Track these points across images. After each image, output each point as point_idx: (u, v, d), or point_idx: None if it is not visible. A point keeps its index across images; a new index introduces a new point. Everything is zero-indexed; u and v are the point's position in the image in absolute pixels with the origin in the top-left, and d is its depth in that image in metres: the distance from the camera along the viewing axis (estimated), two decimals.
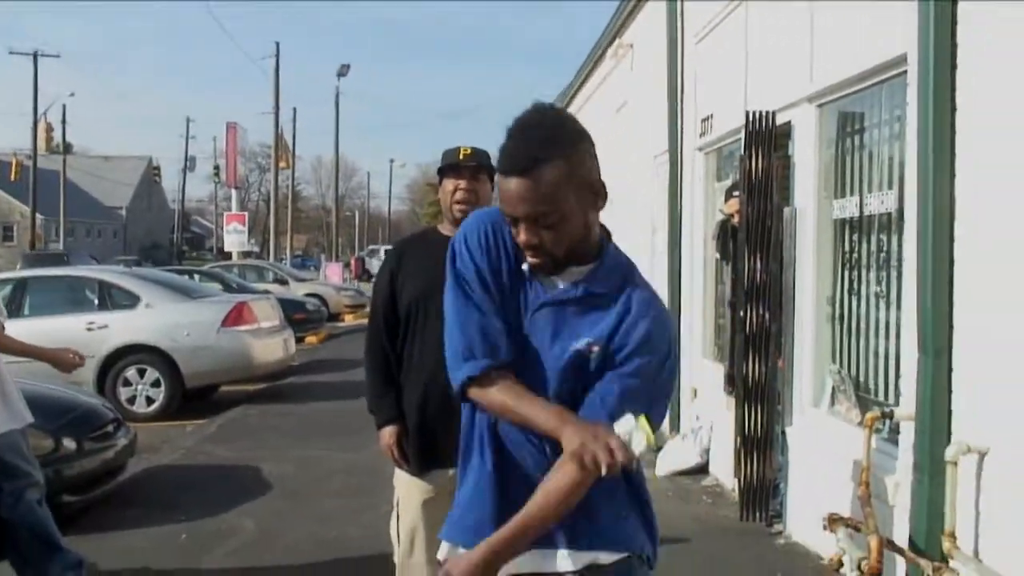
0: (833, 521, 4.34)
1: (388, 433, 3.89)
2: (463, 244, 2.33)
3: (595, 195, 2.23)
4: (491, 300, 2.28)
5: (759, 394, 6.23)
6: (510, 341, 2.25)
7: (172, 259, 59.01)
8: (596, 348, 2.21)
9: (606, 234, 2.34)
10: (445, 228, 3.95)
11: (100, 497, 6.60)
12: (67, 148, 56.74)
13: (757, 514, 6.27)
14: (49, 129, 48.60)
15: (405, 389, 3.89)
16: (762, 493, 6.27)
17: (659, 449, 2.19)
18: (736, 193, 6.56)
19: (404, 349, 3.89)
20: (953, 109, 4.05)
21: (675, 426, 8.55)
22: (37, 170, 47.53)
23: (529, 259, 2.23)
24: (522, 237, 2.19)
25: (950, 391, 4.03)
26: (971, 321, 3.96)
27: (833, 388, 5.71)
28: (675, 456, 7.82)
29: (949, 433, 4.01)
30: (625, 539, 2.31)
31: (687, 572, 5.34)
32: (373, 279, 4.26)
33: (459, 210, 3.81)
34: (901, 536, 4.25)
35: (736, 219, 6.51)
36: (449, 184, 3.87)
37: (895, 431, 4.77)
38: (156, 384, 11.03)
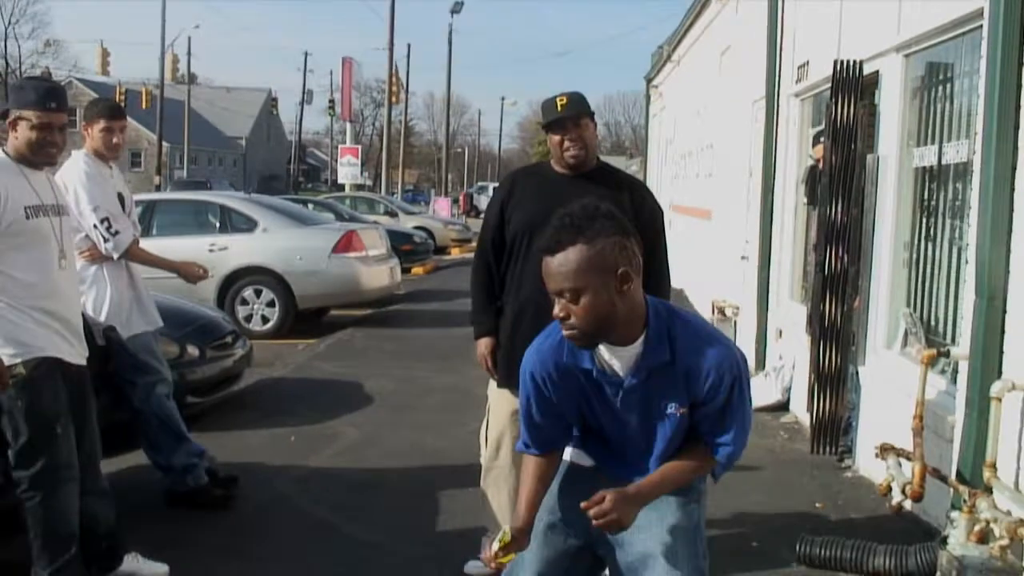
0: (885, 450, 4.62)
1: (484, 344, 4.25)
2: (525, 374, 2.86)
3: (621, 282, 2.56)
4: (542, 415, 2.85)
5: (834, 334, 6.47)
6: (560, 429, 2.90)
7: (288, 189, 60.50)
8: (683, 410, 2.70)
9: (645, 300, 2.69)
10: (558, 165, 4.22)
11: (219, 401, 7.19)
12: (191, 79, 58.26)
13: (828, 448, 6.55)
14: (175, 60, 49.89)
15: (504, 308, 4.23)
16: (833, 428, 6.53)
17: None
18: (822, 139, 6.75)
19: (507, 271, 4.21)
20: (1020, 63, 4.23)
21: (760, 364, 8.82)
22: (164, 100, 49.05)
23: (565, 331, 2.63)
24: (556, 310, 2.60)
25: (1003, 333, 4.26)
26: None
27: (906, 330, 5.91)
28: (757, 393, 8.05)
29: (1000, 372, 4.25)
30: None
31: (756, 495, 5.67)
32: (483, 212, 4.58)
33: (572, 158, 4.11)
34: (949, 467, 4.53)
35: (821, 164, 6.71)
36: (556, 137, 4.11)
37: (955, 371, 5.01)
38: (271, 304, 11.67)
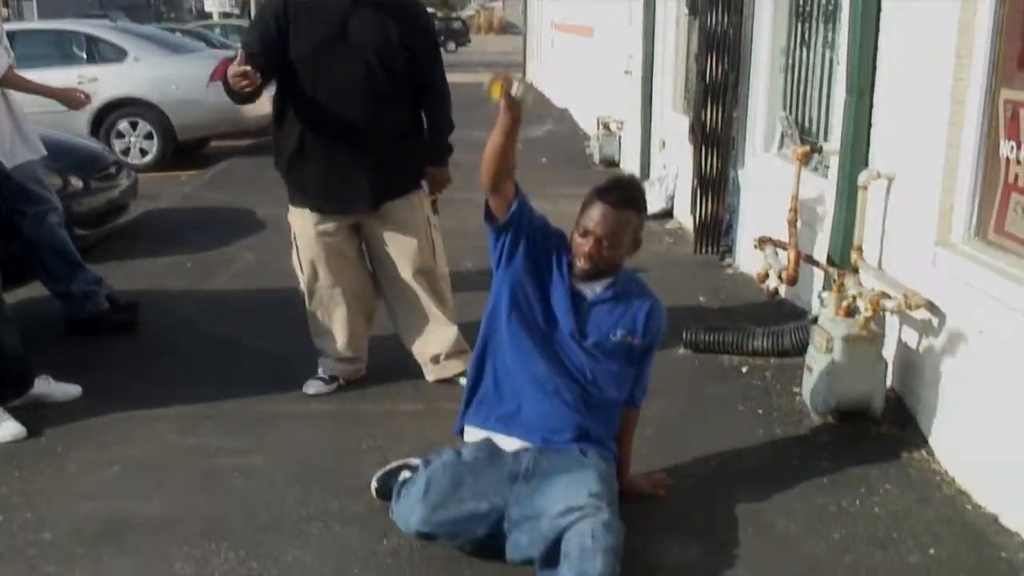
0: (762, 241, 4.92)
1: (230, 72, 3.85)
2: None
3: (634, 246, 3.35)
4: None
5: (715, 140, 6.73)
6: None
7: (150, 18, 57.60)
8: (631, 338, 3.30)
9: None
10: None
11: (109, 232, 7.14)
12: None
13: (710, 248, 6.91)
14: None
15: (296, 132, 4.15)
16: (715, 230, 6.88)
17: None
18: None
19: (298, 100, 4.13)
20: None
21: (644, 175, 9.08)
22: None
23: (582, 263, 3.25)
24: (588, 248, 3.23)
25: (870, 126, 4.53)
26: (890, 63, 4.41)
27: (782, 133, 6.17)
28: None
29: (867, 163, 4.54)
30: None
31: None
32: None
33: None
34: (822, 254, 4.86)
35: None
36: None
37: (826, 167, 5.30)
38: (149, 137, 11.40)
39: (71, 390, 4.51)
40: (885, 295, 4.05)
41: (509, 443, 3.26)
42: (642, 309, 3.35)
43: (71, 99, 5.59)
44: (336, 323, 4.51)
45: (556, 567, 2.83)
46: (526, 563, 3.00)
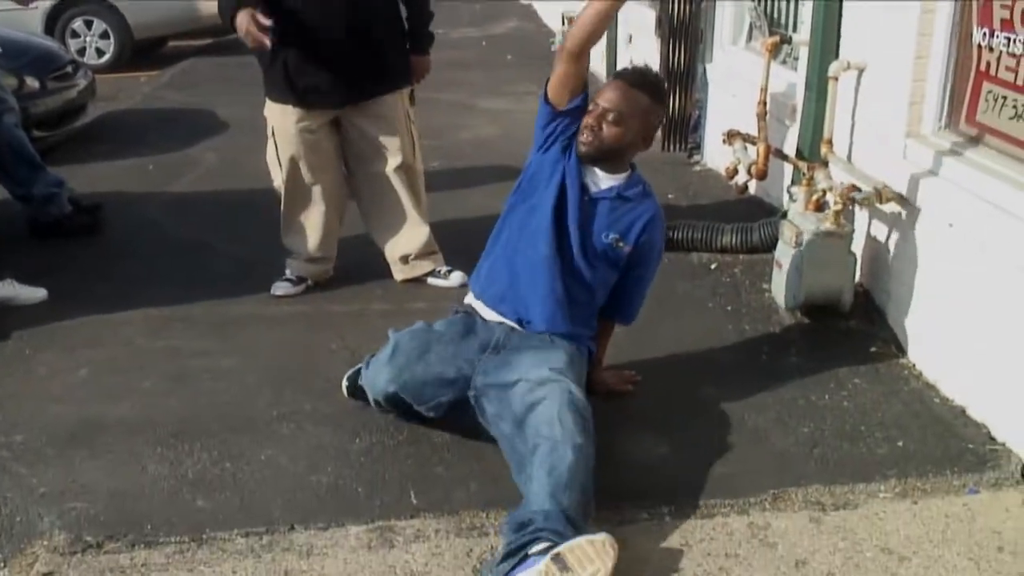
0: (731, 136, 4.87)
1: (243, 16, 3.86)
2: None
3: (644, 139, 3.24)
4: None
5: (683, 33, 6.63)
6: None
7: None
8: (622, 244, 3.24)
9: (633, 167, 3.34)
10: None
11: (68, 134, 7.01)
12: None
13: (677, 145, 6.86)
14: None
15: (289, 27, 4.03)
16: (683, 126, 6.82)
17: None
18: None
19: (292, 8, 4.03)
20: None
21: (610, 71, 8.93)
22: None
23: (583, 138, 3.15)
24: (590, 120, 3.14)
25: (840, 15, 4.45)
26: None
27: (751, 24, 6.09)
28: None
29: (837, 54, 4.48)
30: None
31: None
32: None
33: None
34: (791, 150, 4.83)
35: None
36: None
37: (795, 59, 5.24)
38: (105, 36, 11.11)
39: (37, 293, 4.46)
40: (855, 188, 4.03)
41: (489, 314, 3.30)
42: (640, 217, 3.28)
43: None
44: (311, 221, 4.47)
45: (527, 464, 2.79)
46: (492, 440, 3.06)
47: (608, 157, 3.21)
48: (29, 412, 3.50)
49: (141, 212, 5.73)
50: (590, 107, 3.17)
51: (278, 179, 4.43)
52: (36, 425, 3.40)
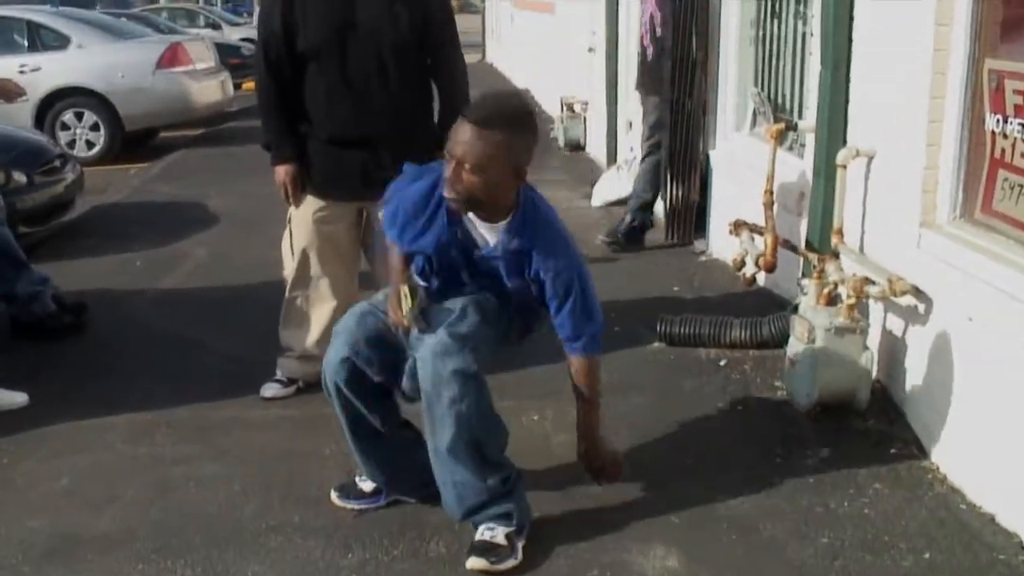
0: (738, 226, 4.76)
1: (284, 171, 4.07)
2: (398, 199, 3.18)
3: (515, 174, 2.93)
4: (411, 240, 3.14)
5: (685, 119, 6.54)
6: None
7: (94, 2, 56.41)
8: (526, 282, 3.06)
9: (524, 186, 3.04)
10: None
11: (54, 230, 6.89)
12: None
13: (681, 234, 6.72)
14: None
15: (310, 119, 4.04)
16: (686, 214, 6.70)
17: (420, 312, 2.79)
18: None
19: (308, 91, 4.01)
20: None
21: (612, 158, 8.89)
22: None
23: (449, 194, 2.90)
24: (449, 173, 2.86)
25: (847, 101, 4.36)
26: (867, 34, 4.24)
27: (754, 111, 6.01)
28: (609, 187, 8.13)
29: (845, 140, 4.37)
30: None
31: (614, 283, 5.79)
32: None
33: None
34: (799, 240, 4.70)
35: None
36: None
37: (802, 146, 5.14)
38: (95, 128, 11.06)
39: (17, 398, 4.31)
40: (868, 281, 3.90)
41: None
42: (534, 256, 3.04)
43: (5, 91, 5.32)
44: (313, 316, 4.33)
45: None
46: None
47: (482, 207, 2.98)
48: (5, 526, 3.35)
49: (128, 310, 5.58)
50: (446, 156, 2.90)
51: (288, 268, 4.32)
52: (12, 540, 3.25)
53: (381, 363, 3.12)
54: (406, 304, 3.02)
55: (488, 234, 3.05)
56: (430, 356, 2.94)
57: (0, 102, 5.54)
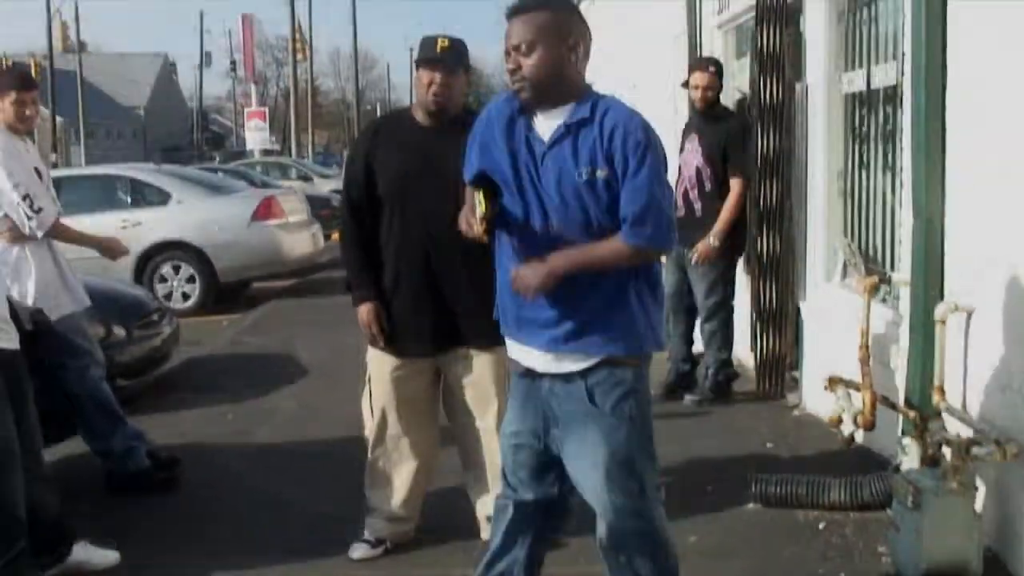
0: (833, 382, 4.62)
1: (366, 310, 4.06)
2: (481, 116, 3.14)
3: (569, 50, 2.90)
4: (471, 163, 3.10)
5: (773, 269, 6.49)
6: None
7: (193, 159, 58.91)
8: (594, 171, 2.86)
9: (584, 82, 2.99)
10: (419, 115, 4.09)
11: (150, 382, 6.98)
12: (82, 47, 55.47)
13: (773, 387, 6.57)
14: (64, 27, 47.54)
15: (386, 272, 4.07)
16: (778, 367, 6.56)
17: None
18: (711, 68, 6.52)
19: (384, 233, 4.06)
20: None
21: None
22: (54, 71, 45.81)
23: (515, 85, 2.90)
24: (509, 64, 2.89)
25: (942, 254, 4.27)
26: (962, 186, 4.18)
27: (845, 261, 5.93)
28: (698, 339, 8.02)
29: (942, 294, 4.27)
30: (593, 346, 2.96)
31: (706, 441, 5.69)
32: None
33: (434, 103, 3.97)
34: (897, 395, 4.56)
35: (698, 93, 6.45)
36: (425, 76, 3.96)
37: (896, 298, 5.04)
38: (191, 280, 11.36)
39: (110, 556, 4.30)
40: (974, 441, 3.74)
41: (521, 353, 3.11)
42: (605, 129, 2.87)
43: (112, 250, 5.52)
44: (397, 477, 4.27)
45: None
46: None
47: (548, 89, 2.90)
48: None
49: (219, 465, 5.60)
50: (504, 59, 2.94)
51: (368, 427, 4.30)
52: None
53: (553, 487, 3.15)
54: (480, 209, 2.93)
55: (553, 121, 2.93)
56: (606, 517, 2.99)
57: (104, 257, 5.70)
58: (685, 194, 6.33)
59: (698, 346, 6.72)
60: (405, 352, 4.11)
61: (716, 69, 6.48)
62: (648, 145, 2.84)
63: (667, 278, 6.42)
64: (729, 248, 6.35)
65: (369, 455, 4.31)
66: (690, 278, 6.46)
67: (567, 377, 2.97)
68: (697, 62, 6.66)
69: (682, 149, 6.48)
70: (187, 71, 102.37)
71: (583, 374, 2.95)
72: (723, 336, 6.55)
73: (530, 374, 3.07)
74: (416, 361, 4.14)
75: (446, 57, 3.96)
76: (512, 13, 2.91)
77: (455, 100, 4.04)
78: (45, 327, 4.93)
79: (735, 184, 6.28)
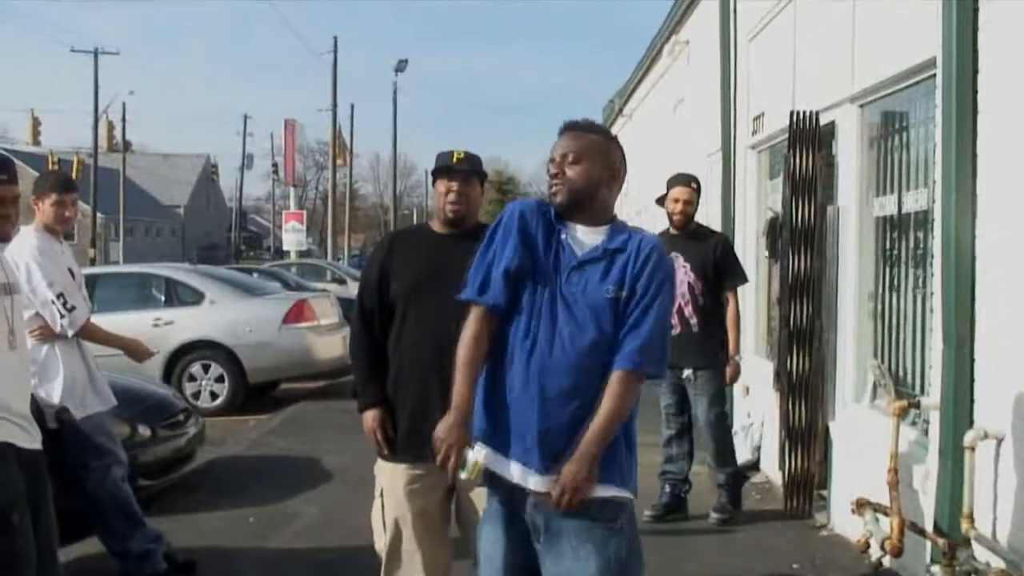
0: (861, 505, 4.56)
1: (371, 416, 4.03)
2: (515, 208, 3.12)
3: (611, 178, 3.06)
4: (512, 249, 3.02)
5: (803, 388, 6.43)
6: (505, 289, 3.01)
7: (230, 258, 59.71)
8: (617, 290, 2.91)
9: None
10: (436, 225, 4.15)
11: (172, 482, 6.96)
12: (126, 146, 56.83)
13: (801, 506, 6.46)
14: (110, 127, 48.67)
15: (394, 377, 4.03)
16: (806, 486, 6.46)
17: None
18: (692, 184, 6.50)
19: (393, 337, 4.04)
20: (975, 111, 4.26)
21: (729, 424, 8.72)
22: (98, 169, 46.87)
23: (551, 188, 3.02)
24: (553, 169, 3.02)
25: (972, 380, 4.23)
26: (993, 313, 4.16)
27: (874, 383, 5.86)
28: None
29: (971, 421, 4.21)
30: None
31: (732, 559, 5.59)
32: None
33: (451, 211, 4.02)
34: (926, 520, 4.46)
35: (678, 207, 6.41)
36: (441, 186, 4.04)
37: (926, 421, 4.97)
38: (220, 380, 11.37)
39: None
40: (1005, 573, 3.64)
41: (507, 468, 2.98)
42: (640, 255, 2.95)
43: (138, 352, 5.57)
44: None
45: None
46: None
47: (583, 201, 3.02)
48: None
49: (235, 570, 5.54)
50: (547, 167, 3.08)
51: (380, 542, 4.21)
52: None
53: None
54: (465, 472, 2.92)
55: (587, 239, 3.03)
56: None
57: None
58: (679, 311, 6.20)
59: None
60: (418, 459, 4.00)
61: (697, 186, 6.48)
62: (667, 279, 2.98)
63: (666, 400, 6.51)
64: (723, 361, 6.36)
65: (383, 570, 4.20)
66: (691, 395, 6.43)
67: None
68: (678, 177, 6.56)
69: None
70: (229, 172, 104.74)
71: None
72: (731, 446, 6.57)
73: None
74: (429, 472, 4.07)
75: (462, 167, 4.04)
76: (567, 128, 3.08)
77: (472, 208, 4.10)
78: (70, 426, 4.97)
79: (732, 299, 6.35)
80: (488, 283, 3.06)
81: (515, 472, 2.94)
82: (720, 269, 6.30)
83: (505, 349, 2.99)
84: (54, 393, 4.96)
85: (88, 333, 5.21)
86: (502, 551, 3.02)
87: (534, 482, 2.90)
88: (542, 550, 2.93)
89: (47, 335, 5.01)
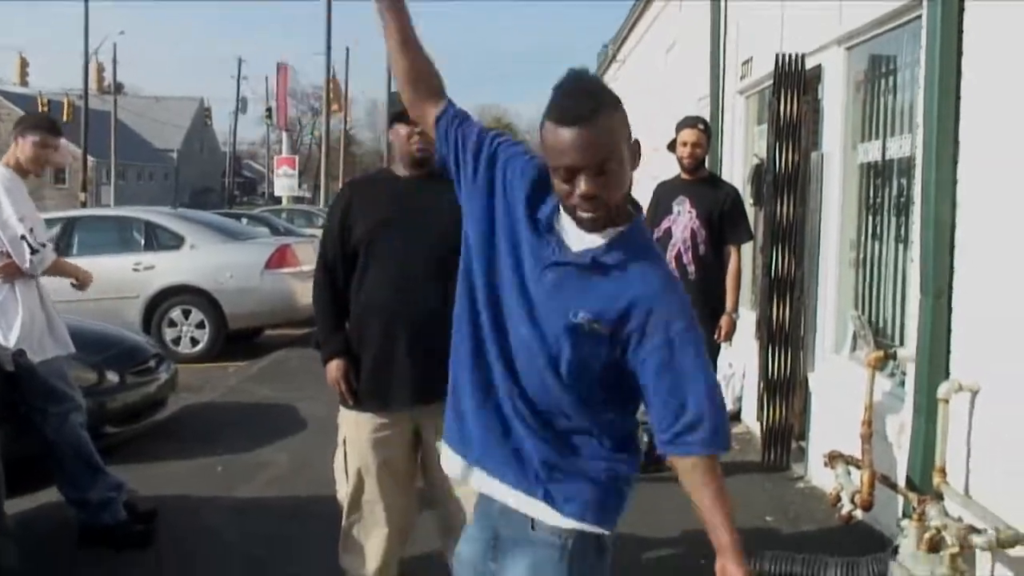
0: (833, 458, 4.46)
1: (335, 367, 3.94)
2: (535, 162, 2.38)
3: (633, 154, 2.22)
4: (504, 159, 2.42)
5: (783, 338, 6.32)
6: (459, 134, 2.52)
7: (223, 203, 59.28)
8: (597, 326, 2.18)
9: (636, 208, 2.31)
10: (400, 170, 4.02)
11: (141, 430, 6.83)
12: (118, 88, 56.25)
13: (779, 458, 6.37)
14: (100, 69, 48.05)
15: (356, 324, 3.95)
16: (784, 437, 6.37)
17: None
18: (700, 126, 6.26)
19: (355, 285, 3.96)
20: (959, 52, 4.09)
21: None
22: (88, 111, 45.64)
23: (585, 213, 2.17)
24: (583, 188, 2.13)
25: (949, 332, 4.10)
26: (971, 263, 4.02)
27: (854, 333, 5.76)
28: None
29: (947, 373, 4.10)
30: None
31: None
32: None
33: (419, 151, 3.89)
34: (899, 474, 4.37)
35: (687, 150, 6.14)
36: (403, 129, 3.92)
37: (904, 373, 4.86)
38: (200, 325, 11.24)
39: None
40: (974, 529, 3.55)
41: (479, 480, 2.45)
42: (628, 288, 2.20)
43: (85, 283, 5.40)
44: (371, 543, 4.08)
45: None
46: None
47: (618, 214, 2.22)
48: None
49: (200, 520, 5.44)
50: (555, 175, 2.18)
51: (342, 491, 4.12)
52: None
53: None
54: None
55: (578, 241, 2.26)
56: None
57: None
58: (678, 257, 6.05)
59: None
60: (383, 407, 3.94)
61: (705, 127, 6.27)
62: (693, 322, 2.21)
63: None
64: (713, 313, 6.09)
65: (344, 520, 4.13)
66: None
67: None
68: (686, 120, 6.32)
69: (668, 211, 6.19)
70: (223, 116, 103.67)
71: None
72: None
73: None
74: (394, 421, 3.97)
75: None
76: (577, 121, 2.12)
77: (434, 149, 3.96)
78: (27, 370, 4.84)
79: (735, 253, 6.13)
80: (462, 118, 2.56)
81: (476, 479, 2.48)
82: (726, 222, 6.09)
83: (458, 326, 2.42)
84: (11, 335, 4.82)
85: (52, 268, 5.07)
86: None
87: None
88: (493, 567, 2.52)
89: (11, 272, 4.85)
